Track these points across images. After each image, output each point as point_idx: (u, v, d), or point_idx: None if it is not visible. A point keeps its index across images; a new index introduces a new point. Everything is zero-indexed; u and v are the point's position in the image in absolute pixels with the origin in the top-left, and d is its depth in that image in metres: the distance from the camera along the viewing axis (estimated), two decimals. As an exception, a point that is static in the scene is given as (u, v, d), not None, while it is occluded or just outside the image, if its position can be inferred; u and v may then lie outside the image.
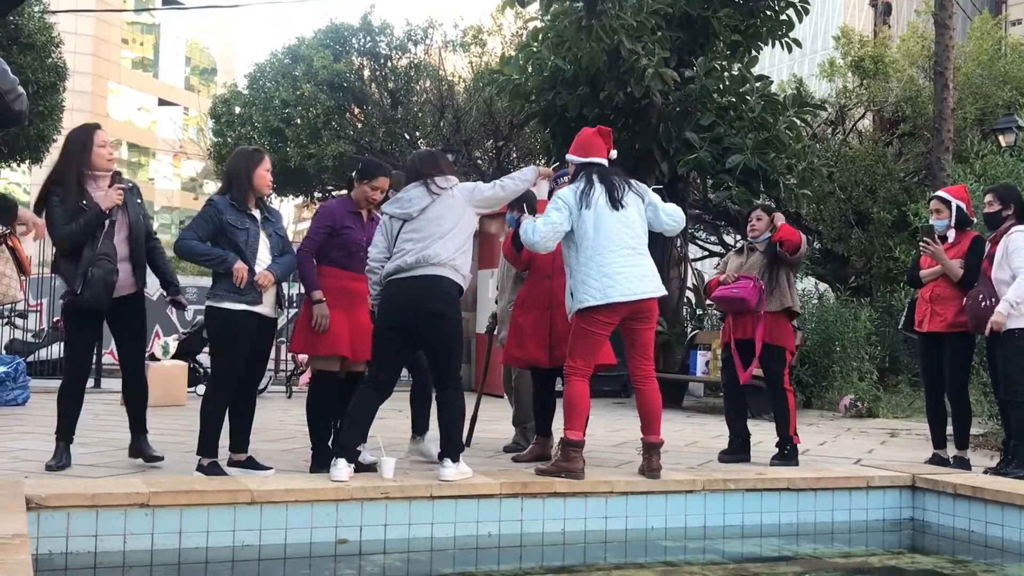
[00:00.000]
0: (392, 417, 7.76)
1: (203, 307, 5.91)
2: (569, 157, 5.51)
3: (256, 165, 5.37)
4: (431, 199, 5.11)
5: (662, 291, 5.34)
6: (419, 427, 6.22)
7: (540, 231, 5.21)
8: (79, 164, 5.47)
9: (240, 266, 5.16)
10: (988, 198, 6.46)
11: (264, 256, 5.35)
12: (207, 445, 5.25)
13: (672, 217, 5.43)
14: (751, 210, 6.96)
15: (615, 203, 5.23)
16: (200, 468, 5.18)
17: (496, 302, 6.95)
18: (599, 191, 5.25)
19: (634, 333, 5.33)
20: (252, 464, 5.41)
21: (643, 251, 5.30)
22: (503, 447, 6.78)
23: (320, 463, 5.36)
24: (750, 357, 6.44)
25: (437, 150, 5.71)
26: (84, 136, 5.54)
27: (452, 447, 4.98)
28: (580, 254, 5.21)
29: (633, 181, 5.47)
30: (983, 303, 6.12)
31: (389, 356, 5.12)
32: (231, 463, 5.38)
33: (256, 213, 5.39)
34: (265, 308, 5.34)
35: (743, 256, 6.73)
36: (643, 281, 5.20)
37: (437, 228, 5.06)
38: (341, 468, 4.79)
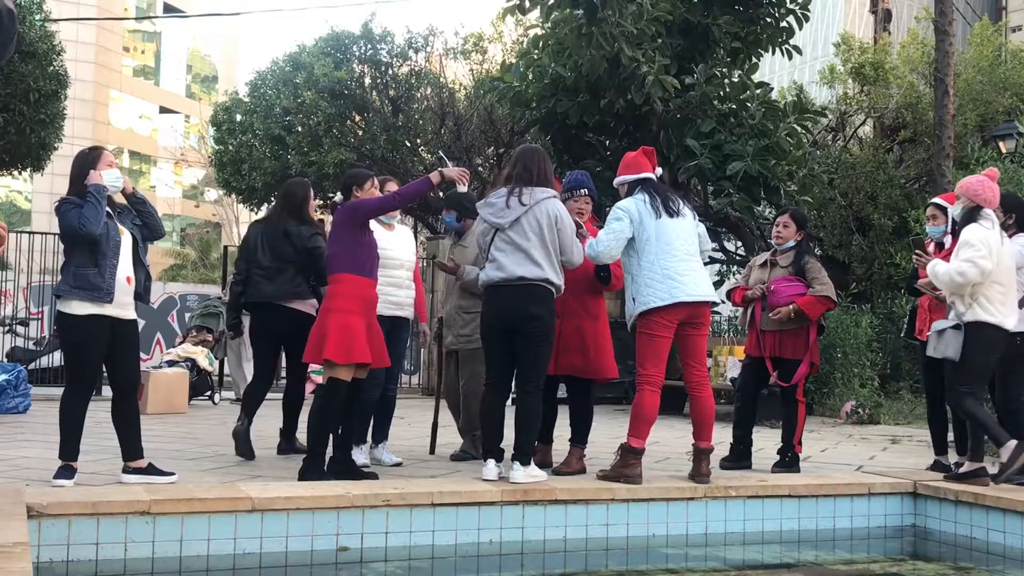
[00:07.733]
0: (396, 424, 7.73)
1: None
2: (620, 179, 5.71)
3: (94, 162, 5.11)
4: (523, 209, 5.27)
5: (716, 296, 5.56)
6: (378, 436, 6.32)
7: (603, 242, 5.45)
8: (300, 213, 6.35)
9: (95, 178, 4.98)
10: None
11: (129, 251, 5.14)
12: (66, 448, 5.01)
13: (706, 243, 5.83)
14: (779, 214, 6.83)
15: (671, 212, 5.46)
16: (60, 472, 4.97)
17: (442, 306, 6.95)
18: (658, 201, 5.48)
19: (688, 339, 5.52)
20: (153, 470, 5.14)
21: (699, 258, 5.57)
22: (450, 456, 6.57)
23: (311, 470, 5.23)
24: (784, 371, 6.39)
25: (542, 150, 5.64)
26: (302, 191, 6.50)
27: (522, 452, 5.13)
28: (643, 259, 5.41)
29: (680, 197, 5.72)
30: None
31: (501, 357, 5.32)
32: (131, 471, 5.10)
33: (107, 210, 5.07)
34: (116, 309, 5.05)
35: (766, 269, 6.55)
36: (703, 285, 5.46)
37: (527, 243, 5.24)
38: (491, 468, 5.16)
